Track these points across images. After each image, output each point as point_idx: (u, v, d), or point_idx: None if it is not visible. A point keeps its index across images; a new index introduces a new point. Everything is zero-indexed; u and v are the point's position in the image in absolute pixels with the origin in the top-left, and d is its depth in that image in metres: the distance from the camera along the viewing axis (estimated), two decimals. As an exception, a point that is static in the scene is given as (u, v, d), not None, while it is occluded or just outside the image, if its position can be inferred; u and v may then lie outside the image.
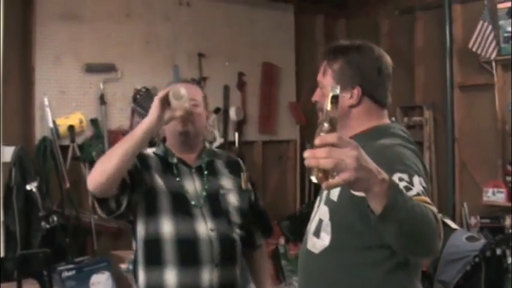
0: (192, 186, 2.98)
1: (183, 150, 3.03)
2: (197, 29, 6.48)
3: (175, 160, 3.01)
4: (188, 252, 2.88)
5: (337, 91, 1.72)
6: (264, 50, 7.02)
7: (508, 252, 4.87)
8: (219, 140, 6.54)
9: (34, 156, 5.36)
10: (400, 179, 2.03)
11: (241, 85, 6.84)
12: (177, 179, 2.97)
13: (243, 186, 3.10)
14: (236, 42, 6.80)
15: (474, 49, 5.80)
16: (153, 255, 2.90)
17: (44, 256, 4.61)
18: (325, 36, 7.54)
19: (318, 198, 2.48)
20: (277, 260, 6.04)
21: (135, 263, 3.02)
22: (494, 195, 5.78)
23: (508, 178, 5.77)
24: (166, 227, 2.88)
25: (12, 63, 5.32)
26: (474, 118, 6.22)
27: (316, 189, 7.11)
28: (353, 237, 2.26)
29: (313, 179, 1.67)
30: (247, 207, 3.11)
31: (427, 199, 1.99)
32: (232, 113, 6.64)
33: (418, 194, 2.01)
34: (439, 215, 1.94)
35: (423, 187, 2.08)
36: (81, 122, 5.61)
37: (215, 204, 2.98)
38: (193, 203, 2.93)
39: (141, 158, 2.95)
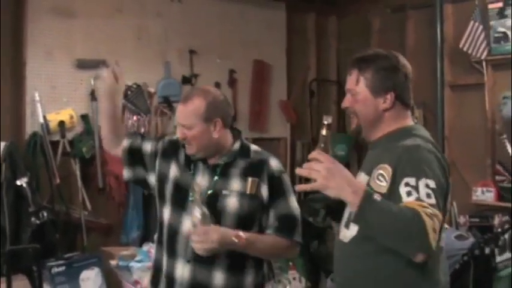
0: (200, 182, 3.02)
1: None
2: (188, 25, 6.48)
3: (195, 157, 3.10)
4: (171, 243, 3.06)
5: (330, 120, 2.43)
6: (255, 48, 7.02)
7: (496, 251, 4.88)
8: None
9: (24, 151, 5.36)
10: (406, 184, 2.35)
11: (232, 82, 6.83)
12: (191, 172, 3.06)
13: (248, 191, 3.00)
14: (227, 39, 6.79)
15: (465, 49, 5.82)
16: (159, 236, 3.16)
17: (34, 252, 4.60)
18: (316, 34, 7.55)
19: None
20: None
21: None
22: (483, 195, 5.79)
23: (497, 178, 5.79)
24: (166, 214, 3.10)
25: (3, 58, 5.32)
26: (464, 117, 6.24)
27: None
28: None
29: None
30: (253, 213, 3.02)
31: (425, 203, 2.28)
32: (223, 110, 6.62)
33: (417, 199, 2.30)
34: (436, 218, 2.25)
35: (431, 188, 2.34)
36: (71, 117, 5.61)
37: (212, 204, 2.96)
38: (191, 198, 2.96)
39: (169, 144, 3.22)
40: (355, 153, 7.31)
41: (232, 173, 3.03)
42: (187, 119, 2.99)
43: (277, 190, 3.08)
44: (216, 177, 3.02)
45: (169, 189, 3.09)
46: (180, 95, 6.27)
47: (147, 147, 3.24)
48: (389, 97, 2.65)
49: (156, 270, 3.14)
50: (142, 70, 6.09)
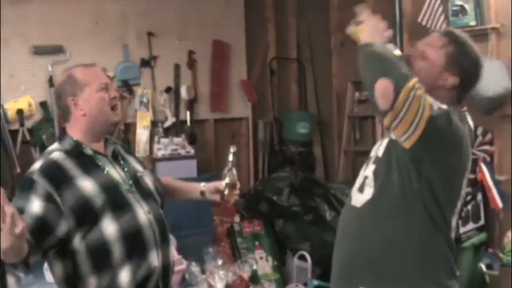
0: (117, 174, 2.81)
1: (96, 139, 2.85)
2: (146, 7, 6.42)
3: (90, 151, 2.80)
4: (136, 243, 2.73)
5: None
6: (214, 28, 6.98)
7: (459, 222, 4.93)
8: (171, 120, 6.51)
9: (-17, 141, 5.29)
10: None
11: (191, 63, 6.79)
12: (104, 170, 2.78)
13: (147, 167, 3.10)
14: (186, 20, 6.74)
15: (424, 23, 5.81)
16: (102, 262, 2.70)
17: (-4, 244, 4.54)
18: (275, 12, 7.51)
19: (364, 166, 2.83)
20: (232, 237, 6.04)
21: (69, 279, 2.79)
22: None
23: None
24: (110, 227, 2.69)
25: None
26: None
27: (276, 166, 7.07)
28: (391, 187, 2.63)
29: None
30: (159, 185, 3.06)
31: (423, 93, 2.51)
32: (183, 92, 6.60)
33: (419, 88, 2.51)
34: (414, 85, 2.51)
35: (438, 107, 2.54)
36: (30, 105, 5.55)
37: (140, 187, 2.85)
38: (126, 190, 2.78)
39: (51, 170, 2.70)
40: (318, 131, 7.32)
41: (125, 156, 2.99)
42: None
43: None
44: (120, 158, 2.91)
45: (99, 202, 2.67)
46: (139, 78, 6.27)
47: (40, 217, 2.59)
48: (452, 80, 2.70)
49: None
50: (101, 54, 6.01)
